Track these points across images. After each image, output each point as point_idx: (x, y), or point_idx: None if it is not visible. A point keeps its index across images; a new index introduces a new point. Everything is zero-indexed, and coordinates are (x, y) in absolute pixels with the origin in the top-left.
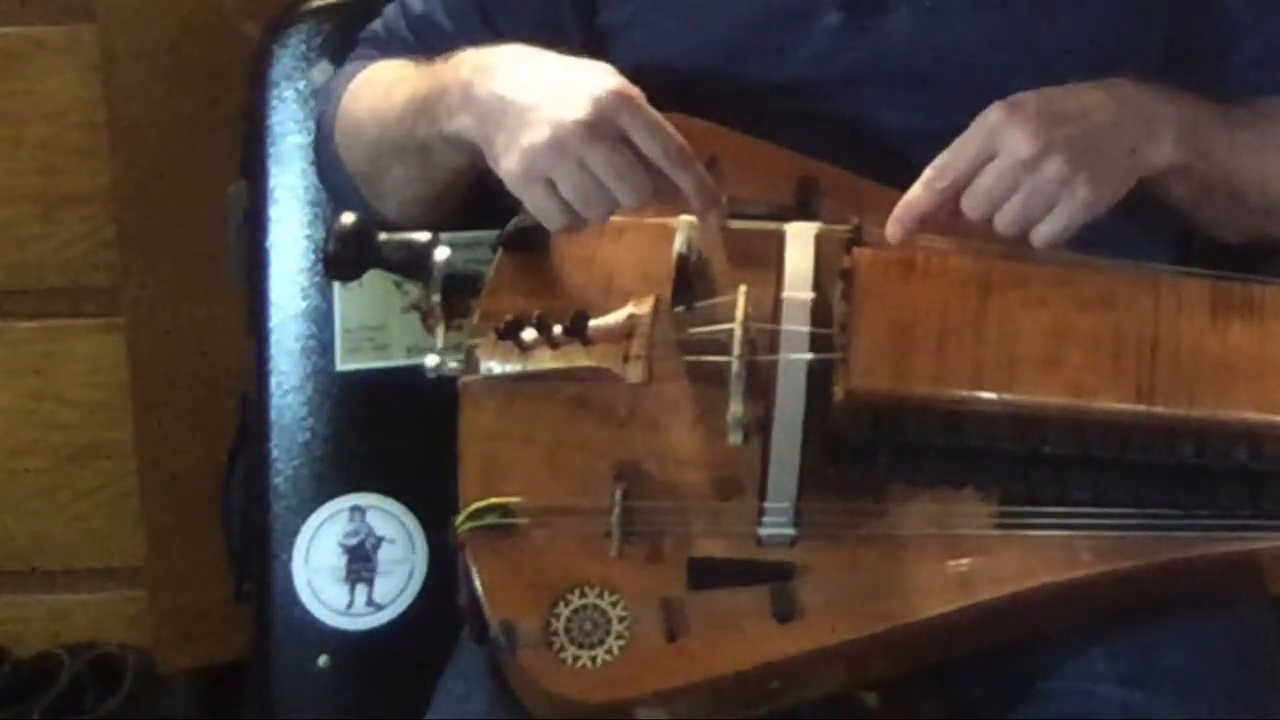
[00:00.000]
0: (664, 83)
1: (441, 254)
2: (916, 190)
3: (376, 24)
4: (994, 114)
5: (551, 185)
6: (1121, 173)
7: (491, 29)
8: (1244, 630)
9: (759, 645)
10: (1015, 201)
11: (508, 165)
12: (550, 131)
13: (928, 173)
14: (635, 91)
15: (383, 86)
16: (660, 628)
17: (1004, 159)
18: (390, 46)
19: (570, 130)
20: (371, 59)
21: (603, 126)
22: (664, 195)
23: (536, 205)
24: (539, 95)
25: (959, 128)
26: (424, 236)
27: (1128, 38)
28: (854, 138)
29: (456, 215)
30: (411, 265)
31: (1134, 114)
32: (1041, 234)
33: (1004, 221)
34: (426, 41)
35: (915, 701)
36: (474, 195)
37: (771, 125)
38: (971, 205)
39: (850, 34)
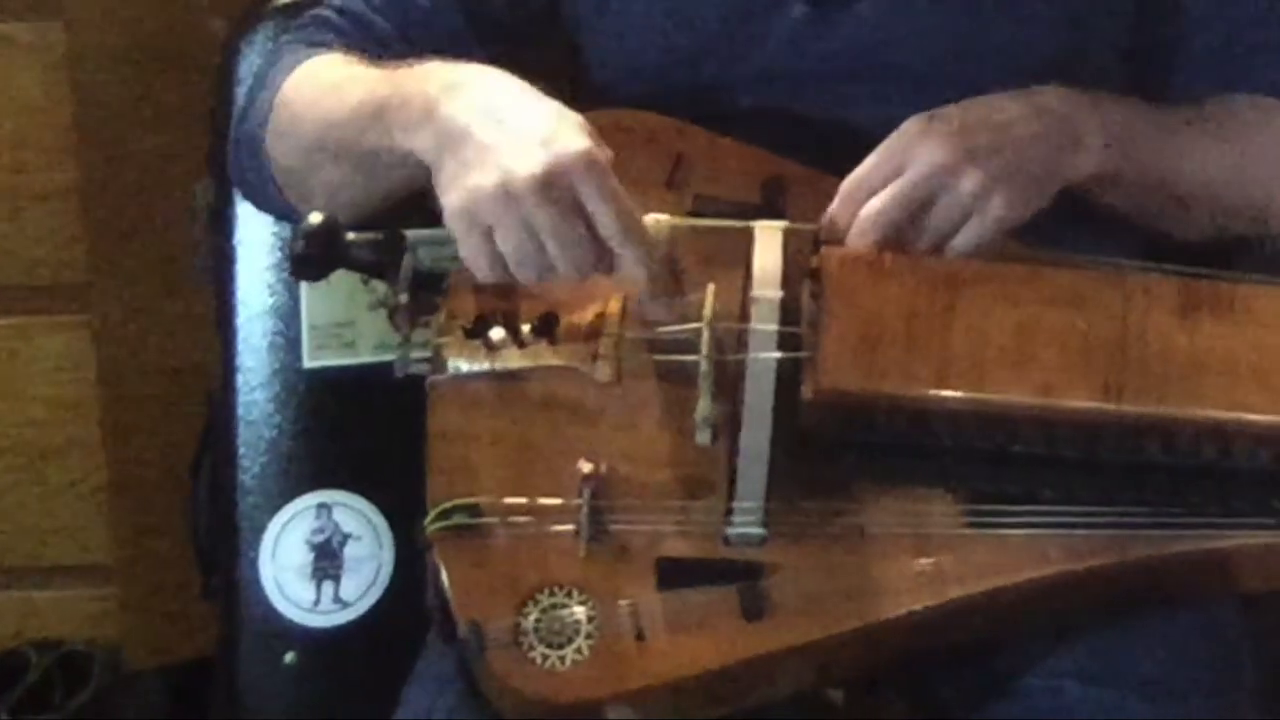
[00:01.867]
0: (632, 75)
1: (409, 252)
2: (834, 208)
3: (324, 10)
4: (910, 125)
5: (489, 233)
6: (1039, 186)
7: (464, 10)
8: (1214, 629)
9: (728, 644)
10: (932, 216)
11: (450, 200)
12: (500, 178)
13: (844, 187)
14: (603, 155)
15: (330, 82)
16: (629, 627)
17: (916, 170)
18: (348, 32)
19: (522, 183)
20: (323, 45)
21: (557, 188)
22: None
23: (468, 250)
24: (501, 135)
25: None
26: (392, 235)
27: (1094, 31)
28: (823, 132)
29: (387, 218)
30: (379, 264)
31: (1055, 125)
32: (954, 248)
33: (917, 235)
34: (401, 23)
35: (881, 699)
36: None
37: (741, 120)
38: (868, 218)
39: (816, 26)
